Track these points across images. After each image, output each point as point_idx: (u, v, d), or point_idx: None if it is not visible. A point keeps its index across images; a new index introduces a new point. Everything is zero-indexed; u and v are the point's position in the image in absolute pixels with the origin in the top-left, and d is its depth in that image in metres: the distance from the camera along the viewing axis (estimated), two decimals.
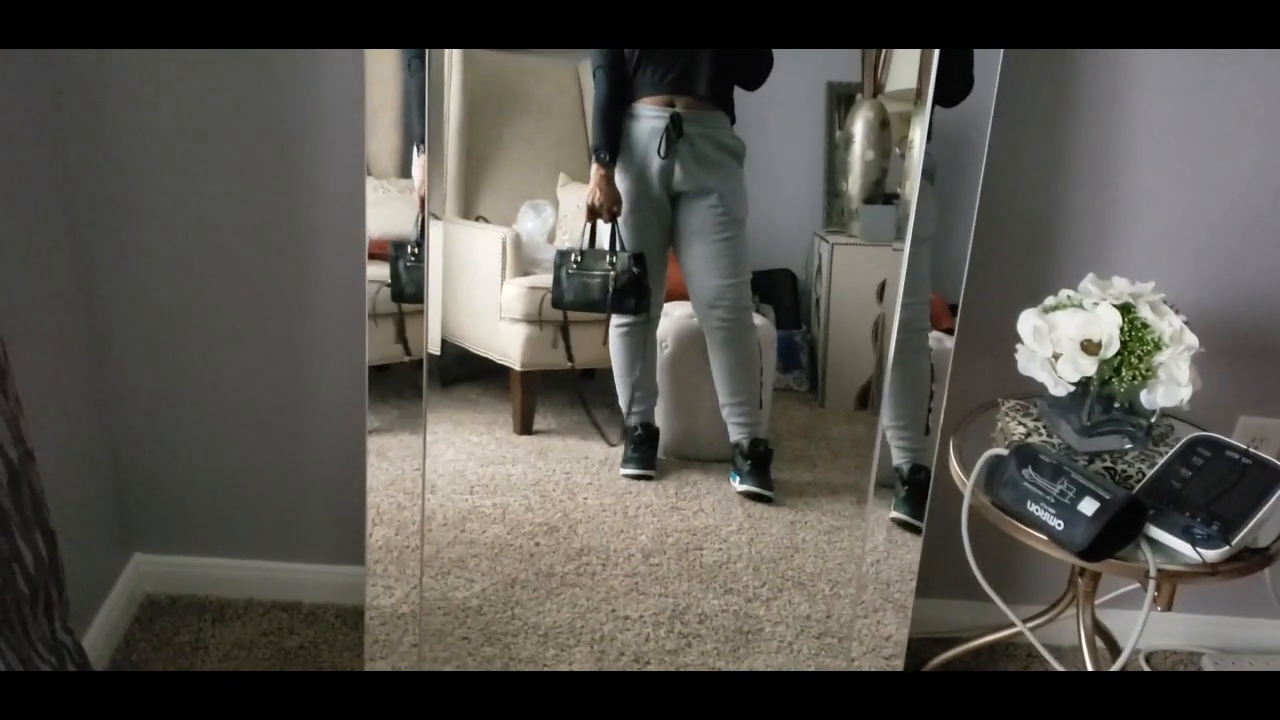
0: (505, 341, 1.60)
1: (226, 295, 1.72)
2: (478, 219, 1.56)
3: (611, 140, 1.51)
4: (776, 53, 1.42)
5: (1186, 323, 1.39)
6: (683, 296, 1.58)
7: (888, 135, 1.48)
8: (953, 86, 1.38)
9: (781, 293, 1.59)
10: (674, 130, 1.48)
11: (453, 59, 1.47)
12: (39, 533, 1.33)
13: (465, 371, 1.60)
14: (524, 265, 1.57)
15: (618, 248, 1.54)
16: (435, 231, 1.49)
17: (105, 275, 1.71)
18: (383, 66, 1.40)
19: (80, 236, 1.67)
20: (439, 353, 1.54)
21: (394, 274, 1.49)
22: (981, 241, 1.50)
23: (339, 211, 1.62)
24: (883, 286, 1.51)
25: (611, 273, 1.54)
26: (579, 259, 1.54)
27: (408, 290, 1.49)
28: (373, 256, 1.47)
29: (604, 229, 1.53)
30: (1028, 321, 1.43)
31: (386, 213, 1.47)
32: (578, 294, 1.55)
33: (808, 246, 1.57)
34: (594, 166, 1.52)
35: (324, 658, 1.89)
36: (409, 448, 1.58)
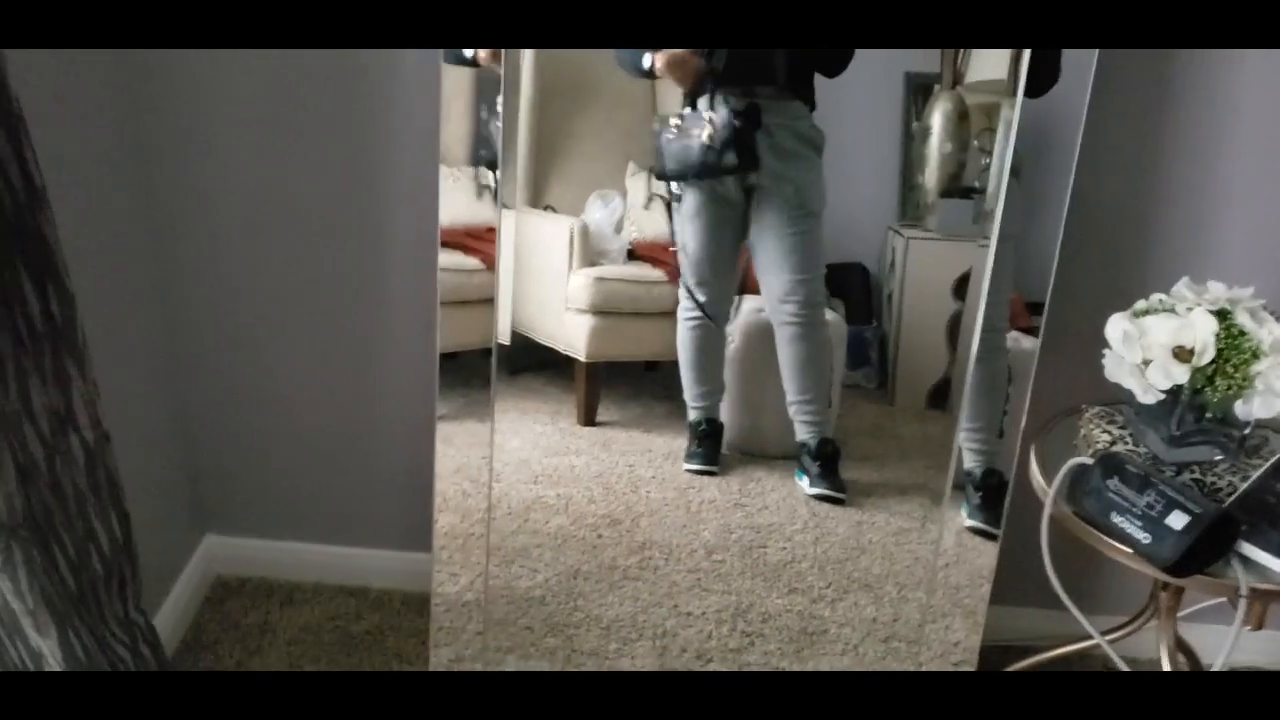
0: (571, 332, 1.59)
1: (301, 280, 1.74)
2: (546, 208, 1.55)
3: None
4: None
5: None
6: (754, 291, 1.55)
7: (966, 127, 1.44)
8: (1041, 78, 1.33)
9: (853, 287, 1.55)
10: (751, 125, 1.45)
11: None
12: (114, 514, 1.35)
13: (531, 361, 1.60)
14: (591, 256, 1.56)
15: (716, 102, 1.45)
16: (507, 221, 1.48)
17: (181, 259, 1.74)
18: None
19: (157, 221, 1.70)
20: (508, 342, 1.54)
21: None
22: (1070, 240, 1.45)
23: (412, 199, 1.63)
24: (959, 282, 1.47)
25: (709, 130, 1.46)
26: (679, 123, 1.47)
27: None
28: (444, 245, 1.47)
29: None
30: (1117, 326, 1.38)
31: (458, 201, 1.47)
32: (678, 160, 1.48)
33: (881, 240, 1.53)
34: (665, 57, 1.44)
35: (389, 643, 1.91)
36: (476, 435, 1.58)
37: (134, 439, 1.70)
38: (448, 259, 1.49)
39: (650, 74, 1.46)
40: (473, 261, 1.50)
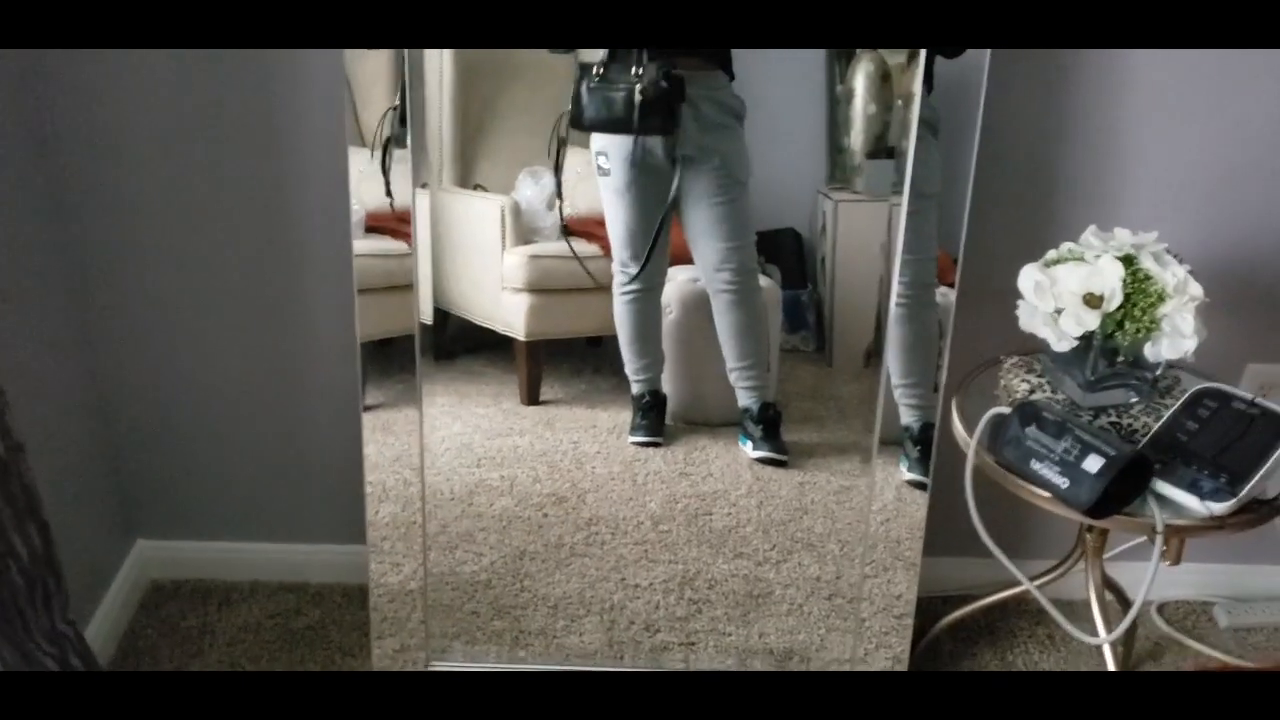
0: (508, 312, 1.58)
1: (216, 275, 1.70)
2: (476, 188, 1.54)
3: None
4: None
5: (1191, 272, 1.38)
6: (686, 261, 1.56)
7: (889, 88, 1.46)
8: None
9: (786, 252, 1.57)
10: (676, 94, 1.45)
11: None
12: (33, 525, 1.31)
13: (470, 343, 1.59)
14: (524, 234, 1.55)
15: (644, 59, 1.43)
16: (422, 202, 1.46)
17: (93, 261, 1.68)
18: None
19: (65, 222, 1.64)
20: (431, 323, 1.52)
21: None
22: (981, 195, 1.48)
23: (327, 185, 1.60)
24: (888, 243, 1.50)
25: (638, 85, 1.44)
26: (600, 71, 1.44)
27: None
28: (374, 229, 1.45)
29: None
30: (1029, 276, 1.42)
31: (382, 184, 1.45)
32: (598, 111, 1.45)
33: (811, 204, 1.55)
34: None
35: (332, 638, 1.88)
36: (413, 422, 1.56)
37: (53, 447, 1.64)
38: (374, 244, 1.47)
39: (570, 49, 1.45)
40: (402, 245, 1.48)
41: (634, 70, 1.44)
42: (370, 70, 1.39)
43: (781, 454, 1.64)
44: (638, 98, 1.45)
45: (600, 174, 1.52)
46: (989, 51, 1.37)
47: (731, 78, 1.46)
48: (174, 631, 1.88)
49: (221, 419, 1.84)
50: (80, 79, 1.54)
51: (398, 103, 1.41)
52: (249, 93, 1.55)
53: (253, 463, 1.88)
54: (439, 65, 1.45)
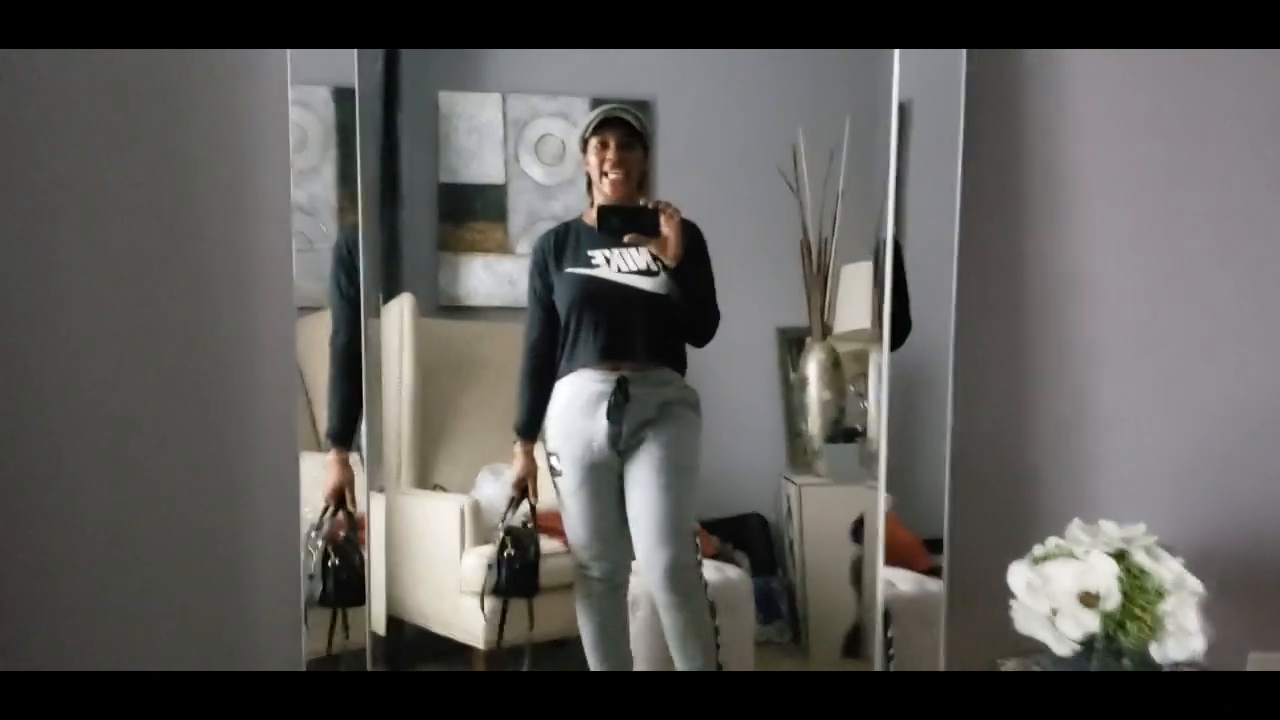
0: (468, 618, 1.49)
1: (153, 594, 1.58)
2: (435, 487, 1.50)
3: (534, 414, 1.49)
4: (725, 302, 1.45)
5: (1185, 565, 1.28)
6: None
7: (841, 375, 1.50)
8: (896, 332, 1.42)
9: (754, 538, 1.54)
10: (620, 395, 1.46)
11: (404, 329, 1.46)
12: None
13: (424, 654, 1.48)
14: (485, 533, 1.49)
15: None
16: (377, 507, 1.42)
17: None
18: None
19: None
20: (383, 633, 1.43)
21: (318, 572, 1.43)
22: (960, 482, 1.47)
23: (276, 492, 1.53)
24: (856, 525, 1.49)
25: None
26: (511, 542, 1.49)
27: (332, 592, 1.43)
28: None
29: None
30: (1019, 575, 1.31)
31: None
32: (513, 583, 1.49)
33: (775, 489, 1.54)
34: (517, 445, 1.50)
35: None
36: None
37: None
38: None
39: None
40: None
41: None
42: (316, 363, 1.38)
43: None
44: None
45: (553, 475, 1.49)
46: (951, 347, 1.42)
47: (682, 371, 1.48)
48: None
49: None
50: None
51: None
52: (196, 395, 1.51)
53: None
54: (398, 366, 1.45)
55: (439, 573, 1.49)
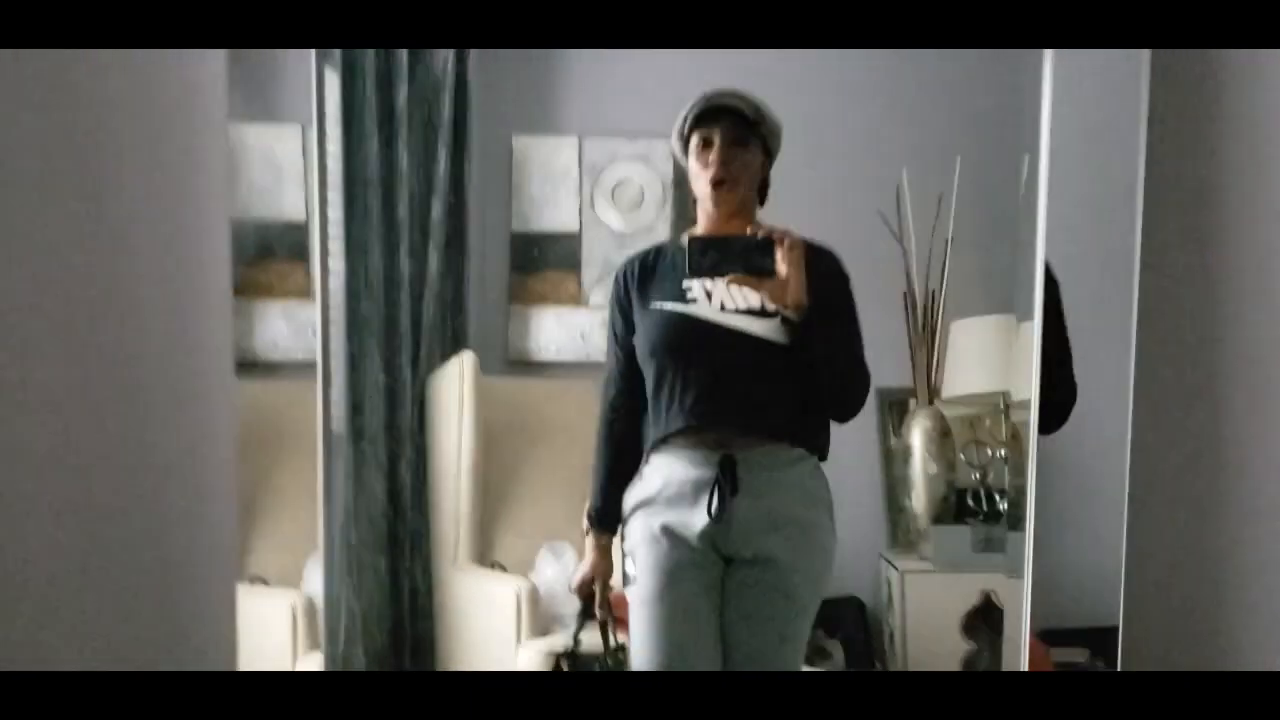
0: None
1: None
2: (493, 565, 1.36)
3: (610, 500, 1.08)
4: None
5: None
6: None
7: (950, 444, 1.33)
8: (1057, 396, 1.02)
9: (850, 626, 1.37)
10: (726, 481, 1.03)
11: (465, 390, 1.34)
12: None
13: None
14: (543, 622, 1.32)
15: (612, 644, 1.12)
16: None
17: None
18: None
19: None
20: None
21: None
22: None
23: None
24: (968, 619, 1.30)
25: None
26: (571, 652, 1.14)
27: None
28: None
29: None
30: None
31: None
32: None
33: (874, 571, 1.38)
34: (589, 535, 1.11)
35: None
36: None
37: None
38: None
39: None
40: None
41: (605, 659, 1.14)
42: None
43: None
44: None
45: (626, 584, 1.08)
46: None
47: (815, 454, 1.07)
48: None
49: None
50: None
51: None
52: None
53: None
54: (457, 430, 1.33)
55: (493, 665, 1.32)
